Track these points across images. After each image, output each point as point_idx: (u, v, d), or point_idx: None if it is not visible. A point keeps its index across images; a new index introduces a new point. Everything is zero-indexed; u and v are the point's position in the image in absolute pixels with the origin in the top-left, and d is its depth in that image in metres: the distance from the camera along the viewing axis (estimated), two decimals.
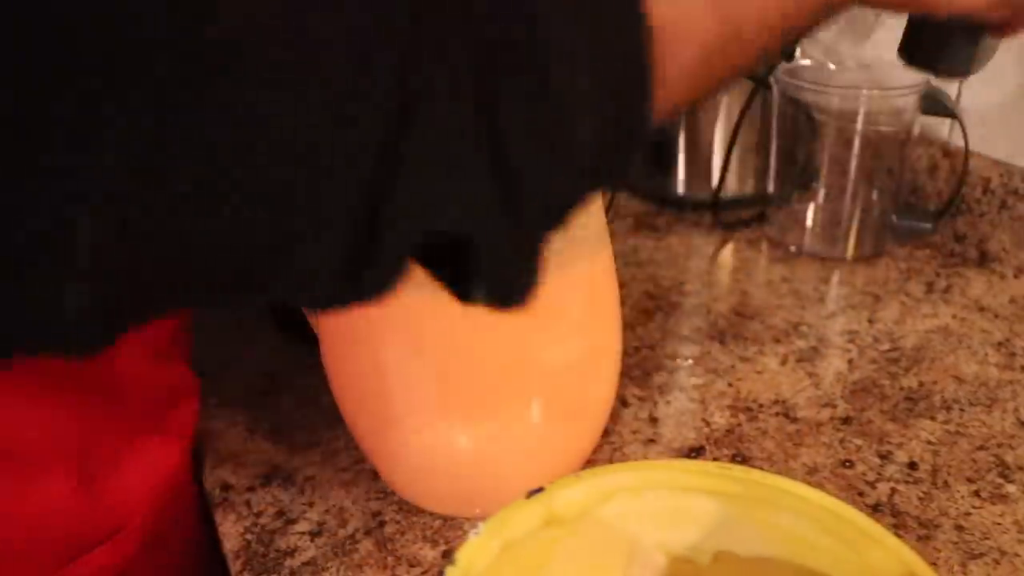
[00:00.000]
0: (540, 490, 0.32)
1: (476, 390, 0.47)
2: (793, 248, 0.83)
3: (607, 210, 0.67)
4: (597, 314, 0.48)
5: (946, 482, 0.54)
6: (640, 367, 0.65)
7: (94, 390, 0.47)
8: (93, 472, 0.48)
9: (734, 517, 0.35)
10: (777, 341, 0.69)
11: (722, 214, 0.88)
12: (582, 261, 0.45)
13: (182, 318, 0.55)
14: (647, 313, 0.73)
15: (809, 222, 0.82)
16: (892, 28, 0.85)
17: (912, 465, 0.55)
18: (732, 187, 0.90)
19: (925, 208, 0.84)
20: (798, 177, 0.82)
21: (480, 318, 0.44)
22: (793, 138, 0.81)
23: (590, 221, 0.45)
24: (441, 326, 0.44)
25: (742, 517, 0.35)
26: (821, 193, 0.81)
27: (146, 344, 0.50)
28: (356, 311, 0.45)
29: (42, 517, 0.47)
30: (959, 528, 0.50)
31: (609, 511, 0.34)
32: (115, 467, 0.49)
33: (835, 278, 0.79)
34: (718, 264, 0.83)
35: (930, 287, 0.76)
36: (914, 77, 0.76)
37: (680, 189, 0.92)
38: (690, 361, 0.67)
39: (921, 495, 0.53)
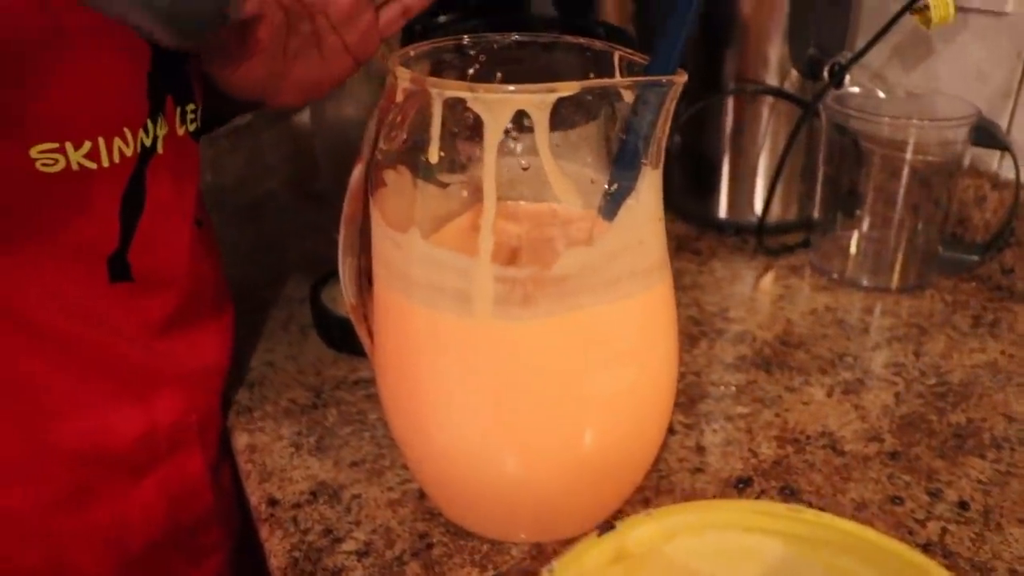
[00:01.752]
0: (611, 527, 0.32)
1: (528, 416, 0.46)
2: (836, 276, 0.82)
3: None
4: (653, 343, 0.48)
5: (999, 524, 0.53)
6: (686, 394, 0.65)
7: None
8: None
9: (798, 558, 0.35)
10: (823, 372, 0.68)
11: (765, 239, 0.88)
12: (641, 291, 0.45)
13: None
14: (692, 339, 0.73)
15: (853, 250, 0.82)
16: (943, 57, 0.85)
17: (963, 504, 0.55)
18: (776, 212, 0.89)
19: (972, 240, 0.83)
20: (843, 205, 0.81)
21: (536, 344, 0.44)
22: (839, 165, 0.80)
23: (652, 252, 0.45)
24: (496, 350, 0.44)
25: (806, 558, 0.35)
26: (866, 221, 0.81)
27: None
28: (411, 331, 0.46)
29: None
30: (1013, 572, 0.50)
31: (675, 548, 0.34)
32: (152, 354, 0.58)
33: (879, 308, 0.79)
34: (762, 290, 0.82)
35: (977, 321, 0.76)
36: (966, 108, 0.75)
37: (723, 213, 0.92)
38: (734, 388, 0.66)
39: (973, 536, 0.52)
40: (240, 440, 0.61)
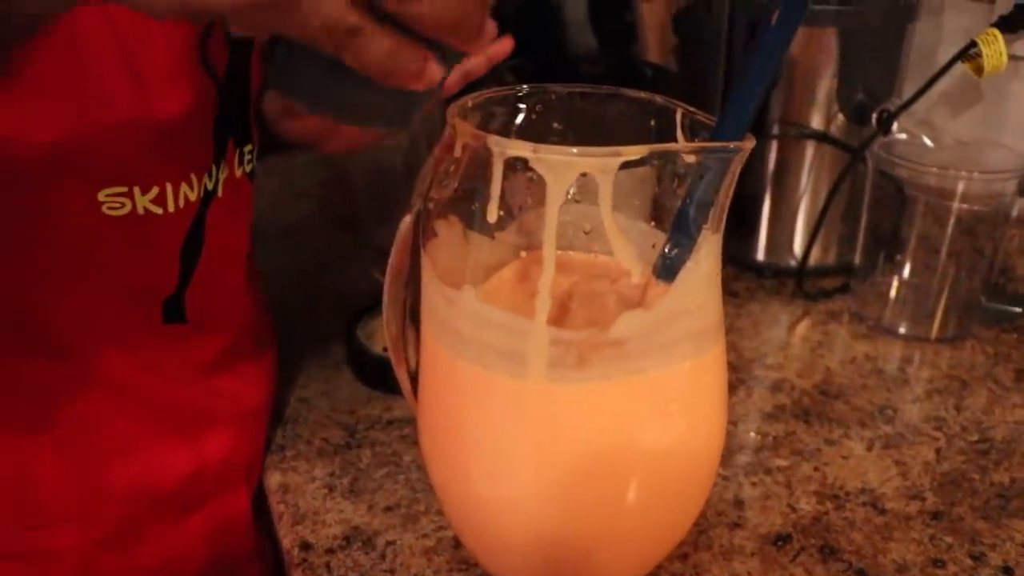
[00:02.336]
0: None
1: (574, 473, 0.46)
2: (875, 323, 0.81)
3: None
4: (704, 402, 0.47)
5: None
6: (724, 444, 0.64)
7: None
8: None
9: None
10: (863, 425, 0.67)
11: (804, 283, 0.87)
12: (697, 353, 0.44)
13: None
14: (731, 387, 0.72)
15: (893, 297, 0.81)
16: (993, 104, 0.84)
17: (1007, 570, 0.54)
18: (815, 256, 0.88)
19: (1015, 291, 0.82)
20: (885, 251, 0.80)
21: (588, 406, 0.43)
22: (883, 211, 0.79)
23: (709, 314, 0.44)
24: (548, 411, 0.43)
25: None
26: (908, 268, 0.80)
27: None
28: (459, 385, 0.45)
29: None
30: None
31: None
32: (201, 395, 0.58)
33: (918, 358, 0.77)
34: (799, 336, 0.81)
35: (1020, 375, 0.74)
36: (1015, 160, 0.74)
37: (762, 255, 0.91)
38: (772, 439, 0.65)
39: None
40: (273, 479, 0.61)
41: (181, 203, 0.50)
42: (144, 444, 0.55)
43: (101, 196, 0.47)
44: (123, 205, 0.48)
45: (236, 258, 0.57)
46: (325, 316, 0.82)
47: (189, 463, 0.57)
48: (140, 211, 0.49)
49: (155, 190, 0.49)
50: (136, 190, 0.48)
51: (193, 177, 0.51)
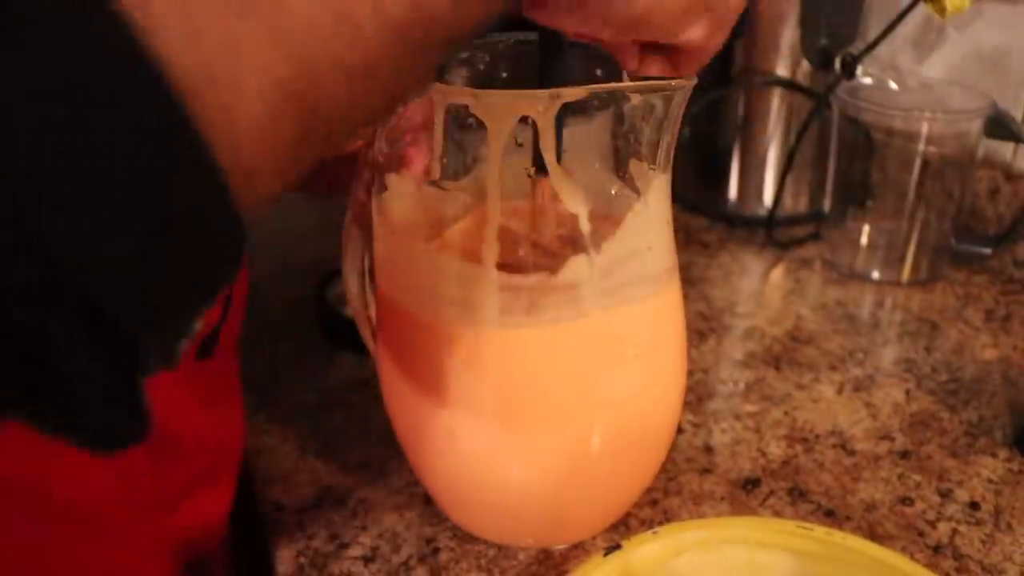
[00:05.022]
0: (618, 547, 0.32)
1: (535, 421, 0.46)
2: (847, 269, 0.82)
3: None
4: (663, 347, 0.47)
5: (1009, 524, 0.53)
6: (694, 392, 0.65)
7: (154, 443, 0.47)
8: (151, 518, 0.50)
9: (809, 575, 0.34)
10: (833, 369, 0.68)
11: (775, 232, 0.87)
12: (650, 295, 0.44)
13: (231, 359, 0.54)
14: (701, 335, 0.72)
15: (864, 243, 0.81)
16: (957, 46, 0.83)
17: (974, 505, 0.54)
18: (786, 205, 0.88)
19: (985, 232, 0.82)
20: (854, 197, 0.80)
21: (542, 351, 0.43)
22: (851, 157, 0.79)
23: (661, 257, 0.44)
24: (501, 358, 0.43)
25: (817, 575, 0.34)
26: (877, 214, 0.80)
27: (196, 394, 0.50)
28: (415, 336, 0.45)
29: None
30: None
31: (683, 566, 0.33)
32: (171, 512, 0.50)
33: (890, 302, 0.78)
34: (771, 284, 0.82)
35: (989, 315, 0.75)
36: (979, 100, 0.74)
37: (732, 205, 0.91)
38: (743, 386, 0.66)
39: (984, 537, 0.52)
40: (246, 443, 0.61)
41: None
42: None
43: None
44: None
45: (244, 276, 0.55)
46: (295, 281, 0.82)
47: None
48: None
49: None
50: None
51: None
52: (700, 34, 0.34)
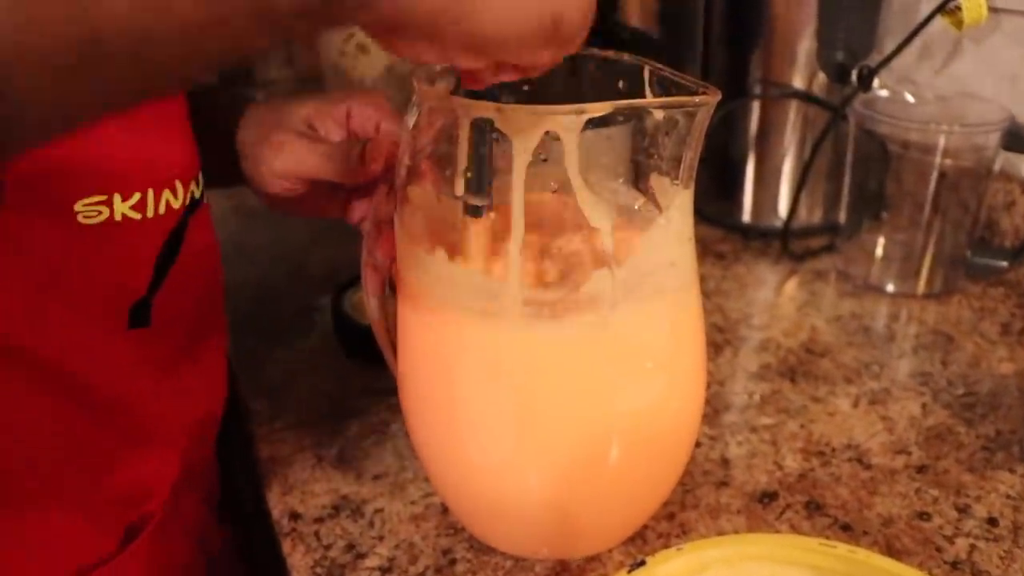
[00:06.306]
0: (642, 563, 0.32)
1: (554, 430, 0.46)
2: (862, 281, 0.81)
3: None
4: (682, 358, 0.47)
5: None
6: (710, 404, 0.65)
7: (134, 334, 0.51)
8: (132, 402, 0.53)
9: None
10: (848, 381, 0.68)
11: (790, 243, 0.87)
12: (671, 309, 0.44)
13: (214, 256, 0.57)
14: (716, 347, 0.72)
15: (879, 255, 0.81)
16: (974, 59, 0.83)
17: (992, 521, 0.54)
18: (801, 216, 0.88)
19: (1001, 245, 0.82)
20: (870, 209, 0.80)
21: (562, 357, 0.43)
22: (867, 169, 0.79)
23: (682, 272, 0.44)
24: (521, 364, 0.43)
25: None
26: (893, 225, 0.80)
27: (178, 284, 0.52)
28: (436, 345, 0.45)
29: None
30: None
31: None
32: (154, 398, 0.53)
33: (905, 315, 0.78)
34: (786, 296, 0.81)
35: (1005, 329, 0.75)
36: (997, 113, 0.74)
37: (747, 217, 0.91)
38: (758, 398, 0.66)
39: (1002, 554, 0.51)
40: (262, 451, 0.61)
41: (162, 209, 0.48)
42: (100, 450, 0.53)
43: (78, 207, 0.45)
44: (100, 213, 0.45)
45: (210, 262, 0.55)
46: (313, 289, 0.83)
47: (136, 472, 0.55)
48: (117, 218, 0.46)
49: (136, 196, 0.47)
50: (116, 197, 0.46)
51: (178, 184, 0.49)
52: (548, 59, 0.36)
